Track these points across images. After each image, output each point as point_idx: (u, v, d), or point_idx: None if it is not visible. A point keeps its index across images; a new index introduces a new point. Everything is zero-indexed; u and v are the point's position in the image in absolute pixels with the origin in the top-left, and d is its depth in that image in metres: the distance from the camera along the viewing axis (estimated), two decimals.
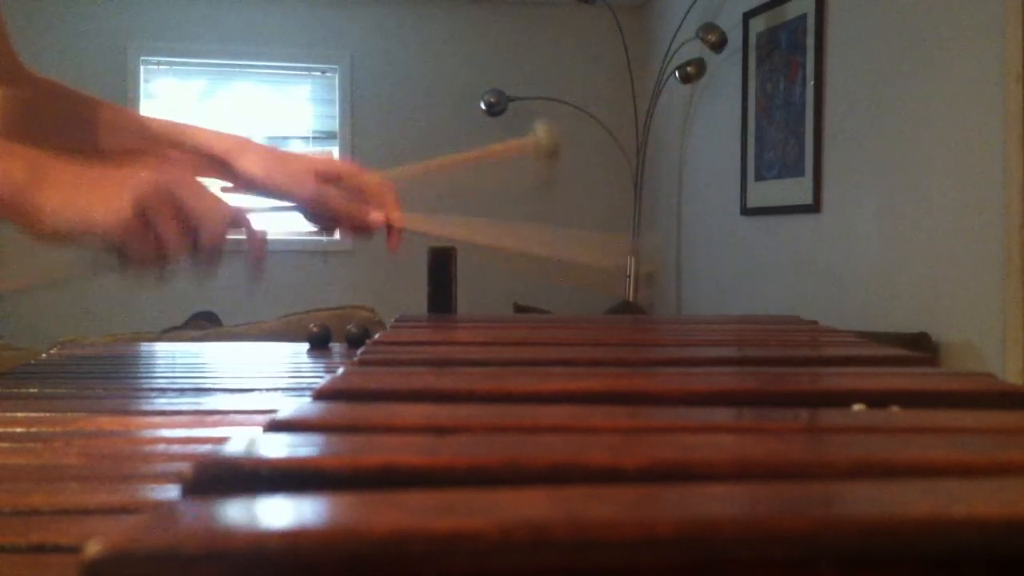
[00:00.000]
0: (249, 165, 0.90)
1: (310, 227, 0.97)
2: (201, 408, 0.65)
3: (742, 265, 3.45)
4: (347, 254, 4.27)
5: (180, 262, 0.71)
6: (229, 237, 0.72)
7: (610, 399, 0.44)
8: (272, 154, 0.93)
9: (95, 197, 0.67)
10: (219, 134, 0.93)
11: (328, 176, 0.92)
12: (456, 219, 0.95)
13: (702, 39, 3.42)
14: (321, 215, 0.94)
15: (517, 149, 0.78)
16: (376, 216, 0.93)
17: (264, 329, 1.76)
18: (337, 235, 4.49)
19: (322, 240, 4.30)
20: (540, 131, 0.77)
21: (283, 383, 0.80)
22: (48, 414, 0.62)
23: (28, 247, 0.70)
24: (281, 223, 0.91)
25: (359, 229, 0.94)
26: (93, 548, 0.21)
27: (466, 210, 0.92)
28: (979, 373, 0.49)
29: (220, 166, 0.91)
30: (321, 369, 0.87)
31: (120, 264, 0.69)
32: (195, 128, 0.93)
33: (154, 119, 0.94)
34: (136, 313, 3.98)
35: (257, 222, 0.76)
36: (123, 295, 4.06)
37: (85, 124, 0.92)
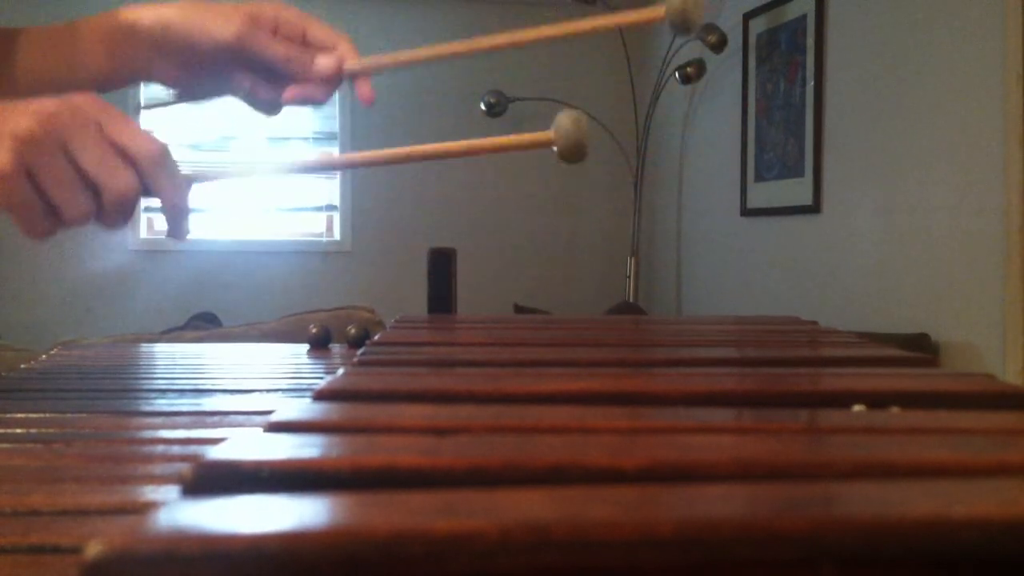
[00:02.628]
0: (158, 11, 0.73)
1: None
2: (201, 409, 0.65)
3: (742, 265, 3.45)
4: (347, 254, 4.27)
5: (79, 222, 0.58)
6: (143, 190, 0.58)
7: (610, 400, 0.44)
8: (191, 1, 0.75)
9: None
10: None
11: (262, 20, 0.74)
12: (414, 50, 0.79)
13: (702, 39, 3.42)
14: (254, 69, 0.75)
15: (532, 143, 0.67)
16: (325, 61, 0.76)
17: (264, 330, 1.76)
18: (337, 235, 4.44)
19: (322, 240, 4.30)
20: (564, 123, 0.64)
21: (283, 384, 0.80)
22: (48, 415, 0.62)
23: None
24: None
25: (305, 84, 0.76)
26: (93, 549, 0.21)
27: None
28: (979, 373, 0.49)
29: (132, 32, 0.74)
30: (321, 370, 0.87)
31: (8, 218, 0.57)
32: (109, 11, 0.75)
33: (72, 22, 0.77)
34: (136, 314, 3.99)
35: (179, 168, 0.60)
36: (124, 296, 4.07)
37: None
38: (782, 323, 0.91)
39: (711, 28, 3.40)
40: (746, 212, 3.39)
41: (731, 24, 3.43)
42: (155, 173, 0.57)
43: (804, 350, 0.71)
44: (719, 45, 3.38)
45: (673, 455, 0.29)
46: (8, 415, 0.61)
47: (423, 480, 0.27)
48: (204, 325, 2.64)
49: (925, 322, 2.39)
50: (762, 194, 3.28)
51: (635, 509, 0.23)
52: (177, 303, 3.86)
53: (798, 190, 3.02)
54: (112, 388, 0.78)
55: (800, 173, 3.02)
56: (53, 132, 0.54)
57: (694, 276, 3.91)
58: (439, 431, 0.32)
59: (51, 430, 0.57)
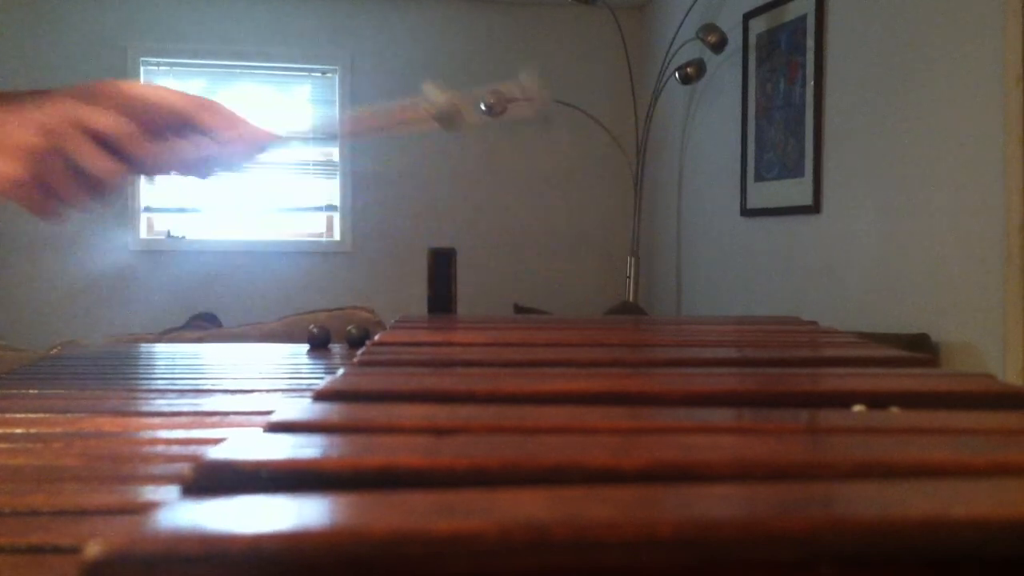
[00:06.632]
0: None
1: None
2: (201, 409, 0.65)
3: (742, 266, 3.45)
4: (347, 254, 4.27)
5: (80, 203, 0.69)
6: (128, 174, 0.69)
7: (610, 400, 0.44)
8: None
9: None
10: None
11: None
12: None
13: (702, 40, 3.42)
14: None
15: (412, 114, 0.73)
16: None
17: (264, 330, 1.76)
18: (337, 235, 4.43)
19: (322, 240, 4.30)
20: (429, 92, 0.70)
21: (283, 384, 0.80)
22: (48, 415, 0.62)
23: None
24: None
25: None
26: (93, 549, 0.21)
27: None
28: (979, 374, 0.49)
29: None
30: (321, 370, 0.87)
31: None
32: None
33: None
34: (136, 314, 3.99)
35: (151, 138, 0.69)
36: (124, 296, 4.07)
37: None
38: (782, 323, 0.91)
39: (711, 28, 3.40)
40: (746, 212, 3.39)
41: (731, 24, 3.43)
42: (132, 149, 0.68)
43: (804, 350, 0.71)
44: (719, 45, 3.38)
45: (673, 455, 0.29)
46: (8, 415, 0.61)
47: (423, 480, 0.27)
48: (204, 325, 2.64)
49: (925, 322, 2.39)
50: (762, 194, 3.28)
51: (635, 509, 0.23)
52: (177, 303, 3.86)
53: (798, 190, 3.02)
54: (112, 388, 0.78)
55: (800, 173, 3.02)
56: (53, 142, 0.66)
57: (694, 276, 3.91)
58: (439, 431, 0.32)
59: (51, 431, 0.57)
